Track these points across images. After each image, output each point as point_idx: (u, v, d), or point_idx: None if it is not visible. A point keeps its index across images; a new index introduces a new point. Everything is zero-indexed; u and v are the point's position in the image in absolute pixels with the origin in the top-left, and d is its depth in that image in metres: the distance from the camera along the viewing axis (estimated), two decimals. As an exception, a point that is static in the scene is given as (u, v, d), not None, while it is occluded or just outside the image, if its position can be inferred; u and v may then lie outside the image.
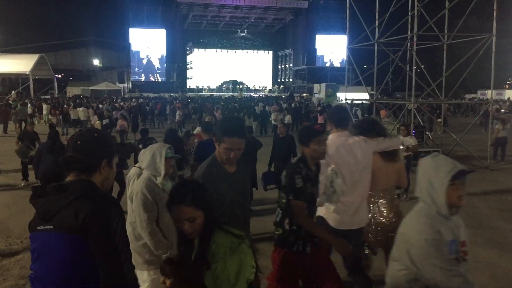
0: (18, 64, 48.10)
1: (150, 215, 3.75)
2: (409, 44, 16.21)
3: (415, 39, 14.76)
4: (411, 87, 15.20)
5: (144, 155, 3.93)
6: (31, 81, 49.23)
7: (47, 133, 9.00)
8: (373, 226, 4.31)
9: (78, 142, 2.07)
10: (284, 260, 3.71)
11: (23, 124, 21.22)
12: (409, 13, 15.87)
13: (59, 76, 61.84)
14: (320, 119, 25.60)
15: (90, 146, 2.08)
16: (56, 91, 54.41)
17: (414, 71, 15.12)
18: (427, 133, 16.54)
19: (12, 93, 47.69)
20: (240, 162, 3.38)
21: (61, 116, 25.49)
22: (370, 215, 4.29)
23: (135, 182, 3.99)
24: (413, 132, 13.73)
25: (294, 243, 3.68)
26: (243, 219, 3.42)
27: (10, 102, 35.94)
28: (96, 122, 18.07)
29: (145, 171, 3.92)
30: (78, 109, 25.33)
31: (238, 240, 2.33)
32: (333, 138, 4.03)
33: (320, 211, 4.01)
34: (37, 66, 49.15)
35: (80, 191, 1.96)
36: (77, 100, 35.36)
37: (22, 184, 11.44)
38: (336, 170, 3.77)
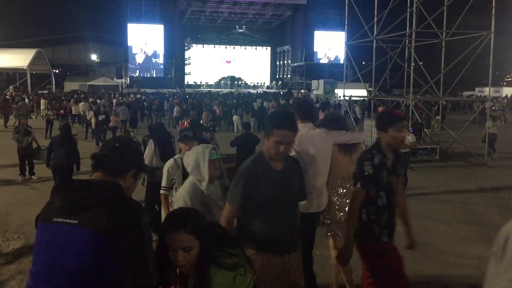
0: (15, 58, 47.93)
1: None
2: (407, 41, 16.23)
3: (413, 36, 14.76)
4: (409, 84, 15.23)
5: (188, 158, 3.68)
6: (28, 76, 49.06)
7: (58, 128, 9.14)
8: (333, 211, 4.53)
9: (117, 145, 2.15)
10: (377, 252, 3.57)
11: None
12: (408, 10, 15.87)
13: (57, 71, 61.65)
14: (321, 116, 25.77)
15: (126, 152, 2.14)
16: (54, 86, 54.24)
17: (412, 68, 15.13)
18: (424, 130, 16.57)
19: (10, 87, 47.53)
20: (288, 159, 3.22)
21: (59, 111, 25.54)
22: (332, 202, 4.54)
23: (179, 187, 3.80)
24: (411, 129, 13.75)
25: (380, 234, 3.56)
26: (292, 217, 3.23)
27: (8, 97, 35.84)
28: (91, 118, 17.79)
29: (190, 176, 3.70)
30: (79, 104, 25.72)
31: (233, 272, 2.21)
32: (303, 128, 4.15)
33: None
34: (34, 60, 48.98)
35: (111, 191, 1.97)
36: (76, 95, 35.27)
37: (20, 179, 11.44)
38: (297, 157, 3.88)
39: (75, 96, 34.67)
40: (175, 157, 4.92)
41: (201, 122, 9.27)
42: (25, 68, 47.65)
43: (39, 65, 51.99)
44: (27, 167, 11.64)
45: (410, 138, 10.25)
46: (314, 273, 4.43)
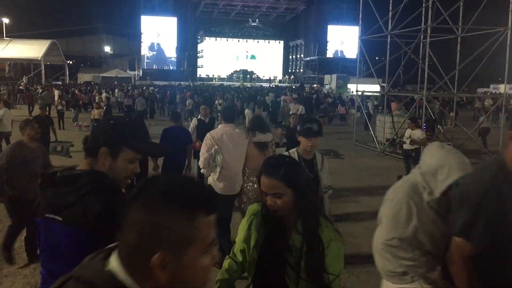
0: (30, 49, 48.42)
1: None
2: (422, 36, 16.06)
3: (428, 31, 14.61)
4: (423, 79, 15.10)
5: (433, 158, 2.79)
6: (42, 67, 49.53)
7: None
8: (248, 195, 5.38)
9: (95, 124, 2.06)
10: None
11: (47, 109, 21.95)
12: (423, 5, 15.71)
13: (71, 62, 62.13)
14: (341, 110, 26.15)
15: (96, 130, 2.03)
16: (67, 77, 54.68)
17: (426, 63, 14.99)
18: (438, 126, 16.44)
19: (24, 78, 48.01)
20: None
21: (78, 102, 26.12)
22: (247, 188, 5.43)
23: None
24: (424, 126, 13.64)
25: None
26: None
27: (22, 88, 36.26)
28: (95, 111, 17.13)
29: (412, 176, 2.96)
30: (101, 95, 26.59)
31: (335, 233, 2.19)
32: (221, 128, 5.49)
33: (209, 180, 5.40)
34: (49, 52, 49.42)
35: (90, 184, 1.88)
36: (97, 87, 35.61)
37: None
38: (218, 150, 5.22)
39: (97, 87, 35.42)
40: (291, 151, 4.32)
41: (200, 116, 9.32)
42: (39, 59, 48.10)
43: (53, 56, 52.47)
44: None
45: (420, 134, 10.18)
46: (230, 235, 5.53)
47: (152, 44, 60.08)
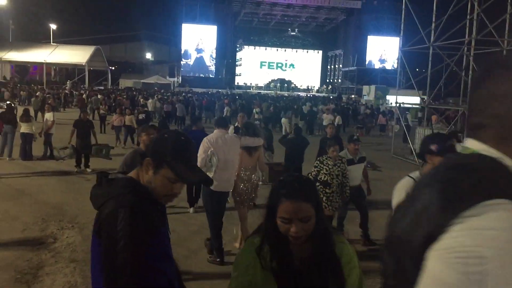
0: (75, 55, 50.04)
1: None
2: (466, 48, 15.71)
3: (472, 43, 14.28)
4: (466, 93, 14.73)
5: None
6: (86, 72, 51.03)
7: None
8: (238, 189, 6.37)
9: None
10: None
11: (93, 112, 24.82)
12: (468, 17, 15.37)
13: (113, 68, 63.81)
14: (382, 120, 26.24)
15: (154, 140, 2.06)
16: (110, 82, 56.12)
17: (470, 76, 14.63)
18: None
19: (68, 82, 49.58)
20: None
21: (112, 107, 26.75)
22: (242, 184, 6.38)
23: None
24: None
25: None
26: None
27: (67, 92, 37.52)
28: (127, 117, 16.77)
29: None
30: (148, 100, 27.73)
31: (348, 244, 2.04)
32: (216, 133, 6.16)
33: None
34: (93, 57, 50.91)
35: (116, 190, 1.86)
36: (144, 92, 36.53)
37: (76, 170, 11.91)
38: (214, 152, 5.90)
39: (144, 92, 36.63)
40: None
41: (236, 124, 9.65)
42: (84, 64, 49.59)
43: (97, 62, 54.02)
44: (83, 160, 12.11)
45: (460, 148, 9.92)
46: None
47: (192, 51, 60.95)
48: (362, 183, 7.69)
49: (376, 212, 9.32)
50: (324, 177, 6.70)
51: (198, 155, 5.60)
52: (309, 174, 6.86)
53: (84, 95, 33.18)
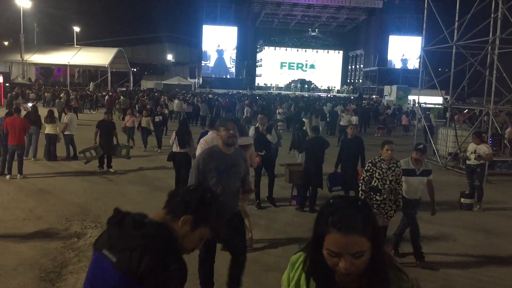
0: (98, 57, 50.81)
1: None
2: (490, 47, 15.41)
3: (497, 42, 14.00)
4: (490, 92, 14.46)
5: None
6: (109, 74, 51.74)
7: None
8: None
9: (191, 188, 2.07)
10: None
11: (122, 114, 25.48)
12: (492, 15, 15.08)
13: (135, 69, 64.53)
14: (405, 120, 26.75)
15: (194, 196, 2.01)
16: (131, 84, 56.76)
17: (494, 76, 14.35)
18: (505, 141, 15.68)
19: (91, 84, 50.33)
20: None
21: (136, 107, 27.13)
22: None
23: None
24: (490, 140, 13.06)
25: None
26: None
27: (89, 92, 38.10)
28: (143, 118, 16.64)
29: None
30: (173, 101, 28.99)
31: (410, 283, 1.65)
32: (211, 134, 6.94)
33: None
34: (115, 59, 51.59)
35: (153, 236, 1.84)
36: (166, 93, 36.96)
37: (98, 170, 12.08)
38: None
39: (166, 93, 37.90)
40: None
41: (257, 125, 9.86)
42: (106, 66, 50.29)
43: (119, 64, 54.74)
44: (105, 160, 12.29)
45: (486, 149, 9.73)
46: None
47: (212, 52, 61.22)
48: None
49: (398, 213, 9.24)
50: (375, 182, 6.13)
51: (197, 153, 6.63)
52: (361, 181, 6.29)
53: (108, 97, 33.63)
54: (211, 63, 61.37)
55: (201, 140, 6.75)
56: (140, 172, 12.52)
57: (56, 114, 17.15)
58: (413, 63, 59.69)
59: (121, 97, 31.54)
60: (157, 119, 16.61)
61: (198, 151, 6.56)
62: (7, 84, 40.02)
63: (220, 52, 61.09)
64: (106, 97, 32.49)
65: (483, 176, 10.38)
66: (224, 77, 61.53)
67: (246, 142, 7.21)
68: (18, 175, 10.94)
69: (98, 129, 12.36)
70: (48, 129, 13.47)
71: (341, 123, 21.64)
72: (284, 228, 7.95)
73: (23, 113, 13.54)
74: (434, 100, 23.23)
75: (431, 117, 24.14)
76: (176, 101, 29.02)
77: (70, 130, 13.78)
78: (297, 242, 7.20)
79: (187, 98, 33.82)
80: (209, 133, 7.03)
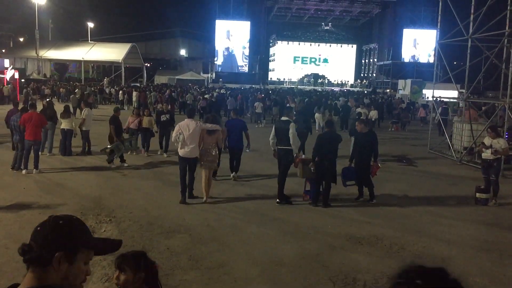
0: (111, 52, 51.08)
1: None
2: (506, 40, 15.18)
3: (514, 35, 13.78)
4: (506, 86, 14.26)
5: None
6: (122, 69, 52.02)
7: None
8: (206, 157, 9.23)
9: (38, 229, 1.73)
10: None
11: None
12: (508, 7, 14.84)
13: (148, 65, 64.77)
14: (422, 113, 27.72)
15: (45, 234, 1.71)
16: (145, 79, 57.03)
17: (510, 69, 14.14)
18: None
19: (105, 79, 50.68)
20: None
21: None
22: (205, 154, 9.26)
23: None
24: (506, 134, 12.89)
25: None
26: None
27: (104, 88, 38.41)
28: (145, 118, 14.39)
29: None
30: (186, 95, 31.49)
31: None
32: (186, 121, 9.14)
33: (179, 151, 9.18)
34: (128, 55, 51.80)
35: None
36: (181, 87, 37.45)
37: (110, 165, 12.20)
38: (181, 132, 8.97)
39: (179, 88, 39.73)
40: None
41: None
42: (120, 61, 50.55)
43: (133, 59, 54.97)
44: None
45: (502, 143, 9.60)
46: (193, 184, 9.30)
47: (225, 47, 61.21)
48: None
49: (412, 208, 9.19)
50: None
51: (173, 134, 9.44)
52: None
53: (136, 92, 33.60)
54: (223, 58, 61.21)
55: (177, 125, 9.58)
56: (153, 167, 12.60)
57: (71, 109, 17.32)
58: (427, 57, 59.04)
59: (152, 92, 33.06)
60: (163, 118, 14.35)
61: (174, 132, 9.36)
62: (22, 80, 40.48)
63: (232, 47, 60.93)
64: (134, 93, 32.50)
65: (499, 170, 10.26)
66: (237, 72, 61.46)
67: (213, 128, 9.32)
68: (34, 170, 11.09)
69: (113, 125, 12.52)
70: (64, 124, 13.62)
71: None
72: (296, 223, 7.96)
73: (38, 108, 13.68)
74: (449, 94, 22.98)
75: (449, 111, 23.92)
76: (188, 94, 31.58)
77: (86, 125, 13.92)
78: (309, 238, 7.21)
79: (205, 92, 35.14)
80: (185, 119, 9.24)
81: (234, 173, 11.30)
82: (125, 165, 12.35)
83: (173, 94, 33.23)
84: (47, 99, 22.95)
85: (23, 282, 1.68)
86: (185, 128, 8.92)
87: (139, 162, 12.96)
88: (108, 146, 12.44)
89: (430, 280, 1.27)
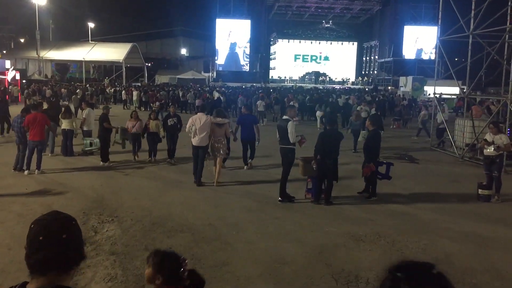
0: (112, 52, 51.09)
1: None
2: (507, 36, 15.14)
3: (515, 31, 13.74)
4: (508, 82, 14.22)
5: None
6: (123, 69, 52.02)
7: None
8: (214, 147, 10.46)
9: (64, 236, 1.85)
10: None
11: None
12: (509, 3, 14.80)
13: (149, 64, 64.77)
14: (423, 110, 26.32)
15: (58, 243, 1.84)
16: (146, 78, 57.03)
17: (512, 65, 14.11)
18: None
19: (105, 80, 50.69)
20: None
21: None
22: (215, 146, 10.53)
23: None
24: (508, 131, 12.86)
25: None
26: None
27: (105, 88, 38.39)
28: (151, 121, 13.21)
29: None
30: (188, 94, 31.90)
31: None
32: (198, 115, 10.61)
33: (192, 140, 10.43)
34: (129, 54, 51.80)
35: None
36: (182, 86, 37.44)
37: (102, 164, 12.35)
38: (194, 124, 10.28)
39: (181, 87, 39.91)
40: None
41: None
42: (121, 61, 50.57)
43: (134, 59, 54.97)
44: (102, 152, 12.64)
45: (504, 139, 9.57)
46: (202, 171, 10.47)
47: (226, 46, 61.15)
48: None
49: (414, 205, 9.18)
50: None
51: (187, 125, 10.71)
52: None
53: (136, 92, 33.59)
54: (223, 57, 61.12)
55: (190, 118, 10.73)
56: (155, 167, 12.60)
57: (72, 109, 17.33)
58: (428, 54, 58.91)
59: (162, 91, 33.92)
60: (170, 122, 13.05)
61: (188, 124, 10.58)
62: (24, 81, 40.52)
63: (233, 46, 60.85)
64: (135, 92, 32.55)
65: (502, 167, 10.25)
66: (238, 70, 61.40)
67: (221, 122, 10.54)
68: (36, 170, 11.10)
69: (106, 122, 12.71)
70: (64, 124, 13.63)
71: (362, 115, 21.45)
72: (298, 221, 7.96)
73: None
74: (450, 90, 22.92)
75: (445, 108, 23.85)
76: (189, 94, 31.58)
77: (88, 125, 13.92)
78: (311, 236, 7.21)
79: (201, 91, 34.64)
80: (198, 113, 10.78)
81: (250, 160, 12.49)
82: (105, 164, 12.38)
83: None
84: (51, 100, 22.93)
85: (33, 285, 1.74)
86: (197, 121, 10.27)
87: (141, 162, 12.96)
88: (115, 139, 13.38)
89: (412, 273, 1.34)
